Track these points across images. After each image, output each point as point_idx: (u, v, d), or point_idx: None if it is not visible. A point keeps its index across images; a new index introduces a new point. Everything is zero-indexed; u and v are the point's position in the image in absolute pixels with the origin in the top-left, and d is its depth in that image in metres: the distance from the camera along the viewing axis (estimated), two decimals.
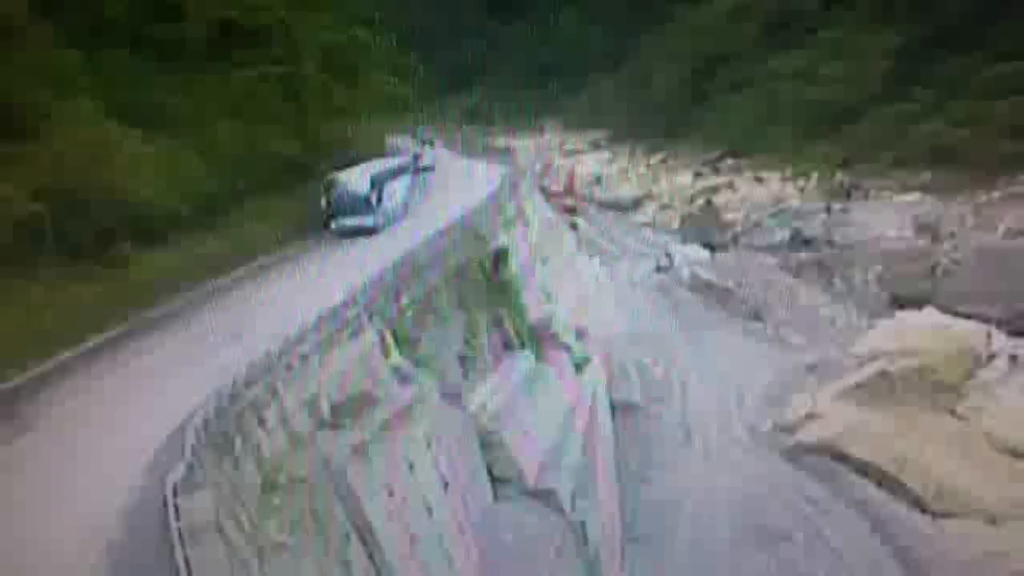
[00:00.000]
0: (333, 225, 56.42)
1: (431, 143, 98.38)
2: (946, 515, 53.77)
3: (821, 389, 67.80)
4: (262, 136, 53.71)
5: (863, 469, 57.98)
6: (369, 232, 56.14)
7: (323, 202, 56.66)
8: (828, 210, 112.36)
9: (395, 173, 64.42)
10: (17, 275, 36.38)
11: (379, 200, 58.27)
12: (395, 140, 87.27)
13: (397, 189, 62.91)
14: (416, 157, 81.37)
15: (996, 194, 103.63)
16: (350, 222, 56.28)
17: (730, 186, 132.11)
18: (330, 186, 56.99)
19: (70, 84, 44.03)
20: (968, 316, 76.46)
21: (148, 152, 45.00)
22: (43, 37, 44.26)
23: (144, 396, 30.71)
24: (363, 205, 56.81)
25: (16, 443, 27.77)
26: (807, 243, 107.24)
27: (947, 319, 75.96)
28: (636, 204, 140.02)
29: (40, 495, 24.30)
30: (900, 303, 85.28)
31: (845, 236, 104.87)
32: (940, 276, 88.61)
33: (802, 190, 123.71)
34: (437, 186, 73.82)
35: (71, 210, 38.47)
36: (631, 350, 73.04)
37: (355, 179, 57.69)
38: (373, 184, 57.72)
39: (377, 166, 62.35)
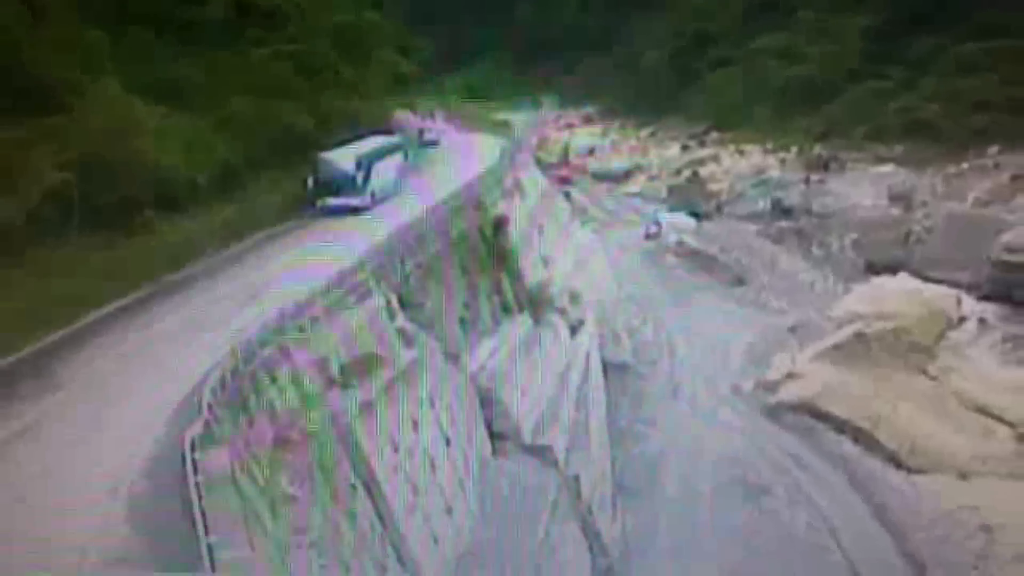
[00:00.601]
0: (318, 204, 53.24)
1: (432, 117, 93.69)
2: (919, 471, 53.75)
3: (801, 350, 67.80)
4: (276, 111, 53.65)
5: (840, 426, 58.02)
6: (355, 211, 53.08)
7: (309, 181, 53.49)
8: (807, 181, 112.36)
9: (386, 152, 60.22)
10: (47, 241, 36.44)
11: (366, 179, 54.97)
12: (400, 115, 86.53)
13: (388, 168, 59.03)
14: (420, 132, 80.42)
15: (965, 165, 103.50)
16: (335, 201, 53.32)
17: (715, 158, 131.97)
18: (316, 165, 54.03)
19: (97, 62, 44.18)
20: (939, 281, 76.56)
21: (170, 126, 45.61)
22: (71, 17, 44.39)
23: (166, 356, 30.66)
24: (349, 185, 53.93)
25: (46, 400, 27.74)
26: (787, 212, 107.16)
27: (919, 284, 76.03)
28: (626, 175, 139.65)
29: (67, 450, 24.36)
30: (875, 269, 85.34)
31: (823, 205, 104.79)
32: (912, 243, 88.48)
33: (783, 162, 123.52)
34: (439, 159, 73.39)
35: (98, 180, 38.59)
36: (622, 313, 73.02)
37: (341, 158, 54.65)
38: (360, 164, 54.59)
39: (367, 145, 58.75)
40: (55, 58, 41.21)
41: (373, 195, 55.16)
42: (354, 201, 53.70)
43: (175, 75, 50.28)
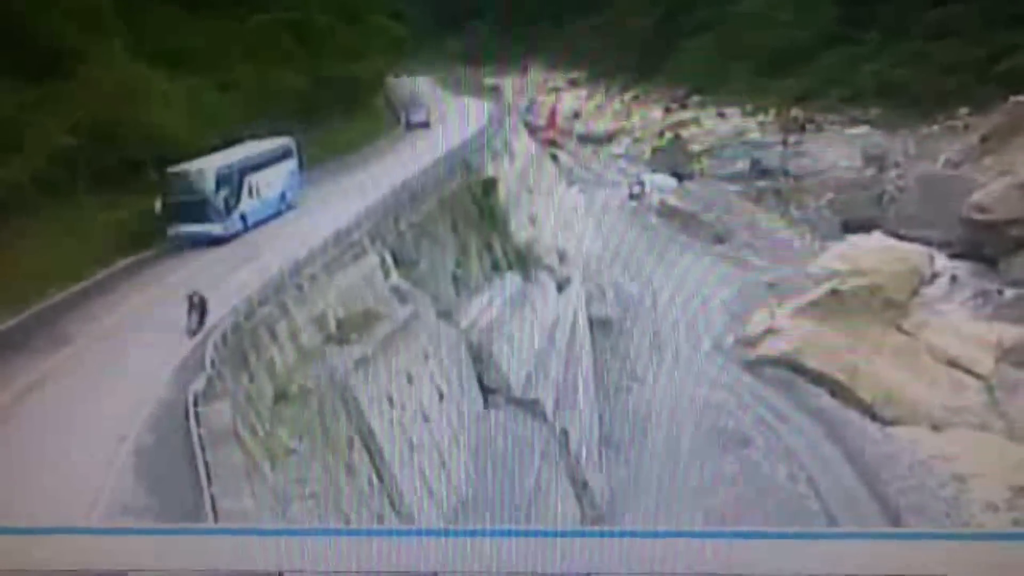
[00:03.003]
0: (169, 232, 40.52)
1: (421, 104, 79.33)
2: (894, 422, 54.03)
3: (780, 306, 67.75)
4: (276, 76, 53.13)
5: (818, 379, 58.19)
6: (215, 242, 40.98)
7: (157, 204, 40.35)
8: (784, 143, 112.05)
9: (267, 160, 47.14)
10: (55, 202, 36.39)
11: (236, 198, 43.14)
12: (397, 79, 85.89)
13: (270, 181, 46.64)
14: (407, 111, 74.19)
15: (936, 127, 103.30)
16: (188, 229, 40.66)
17: (696, 121, 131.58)
18: (166, 182, 41.27)
19: (103, 28, 43.72)
20: (912, 239, 76.64)
21: (173, 90, 45.23)
22: None
23: (170, 311, 30.53)
24: (207, 207, 41.16)
25: (57, 355, 27.72)
26: (766, 173, 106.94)
27: (893, 242, 76.05)
28: (611, 137, 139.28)
29: (77, 401, 24.36)
30: (850, 227, 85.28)
31: (800, 166, 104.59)
32: (887, 203, 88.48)
33: (761, 124, 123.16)
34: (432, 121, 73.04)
35: (102, 143, 38.46)
36: (608, 270, 72.85)
37: (196, 173, 41.81)
38: (223, 179, 42.40)
39: (238, 153, 45.68)
40: (60, 23, 40.90)
41: (244, 219, 43.57)
42: (214, 229, 41.38)
43: (177, 41, 49.66)
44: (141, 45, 45.52)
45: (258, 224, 44.07)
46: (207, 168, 42.17)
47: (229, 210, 42.35)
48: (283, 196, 47.74)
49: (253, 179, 44.85)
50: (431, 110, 75.48)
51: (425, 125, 71.43)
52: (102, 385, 25.34)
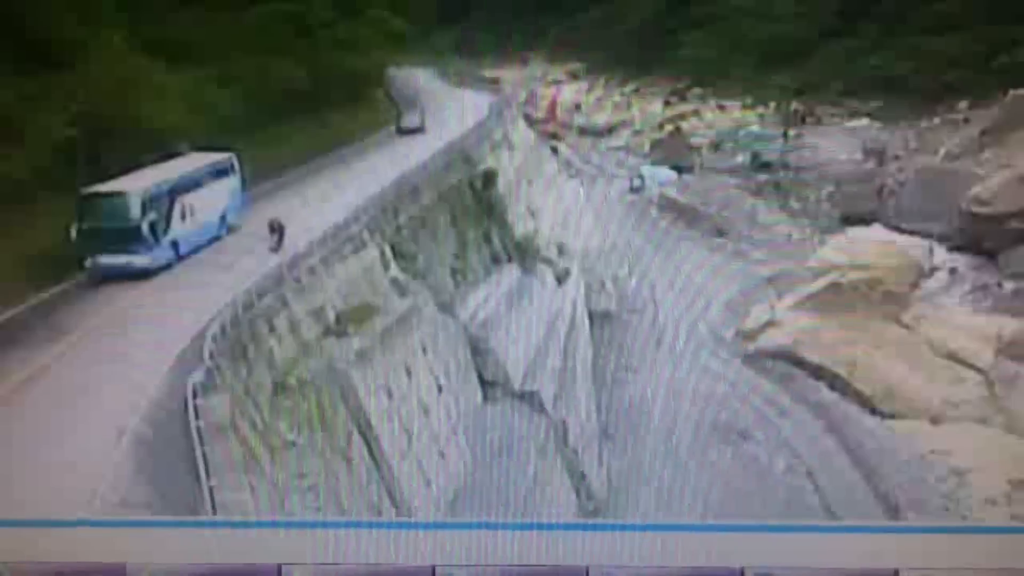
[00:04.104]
0: (86, 263, 35.60)
1: (417, 108, 71.95)
2: (893, 415, 53.94)
3: (779, 299, 67.68)
4: (275, 67, 53.05)
5: (817, 373, 58.04)
6: (140, 276, 35.62)
7: (72, 230, 35.61)
8: (784, 136, 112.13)
9: (203, 177, 41.71)
10: (55, 194, 36.29)
11: (166, 223, 37.73)
12: (398, 72, 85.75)
13: (208, 202, 41.16)
14: (398, 117, 67.76)
15: (936, 120, 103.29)
16: (108, 261, 35.60)
17: (696, 114, 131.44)
18: (83, 206, 36.37)
19: (102, 20, 43.81)
20: (912, 232, 76.45)
21: (171, 82, 45.34)
22: None
23: (169, 302, 30.65)
24: (130, 235, 35.86)
25: (55, 348, 28.01)
26: (765, 166, 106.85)
27: (893, 235, 75.99)
28: (611, 130, 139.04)
29: (75, 394, 24.41)
30: (850, 220, 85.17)
31: (800, 159, 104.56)
32: (886, 196, 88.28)
33: (761, 117, 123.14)
34: (430, 111, 72.82)
35: (101, 135, 38.31)
36: (607, 263, 72.83)
37: (117, 195, 36.60)
38: (149, 202, 36.98)
39: (169, 170, 40.21)
40: (60, 15, 40.99)
41: (176, 246, 38.15)
42: (139, 260, 35.94)
43: (177, 33, 49.62)
44: (140, 37, 45.45)
45: (193, 252, 38.72)
46: (131, 189, 36.70)
47: (157, 237, 36.76)
48: (223, 219, 42.07)
49: (187, 200, 39.31)
50: (426, 113, 68.68)
51: (419, 130, 65.17)
52: (100, 378, 25.34)
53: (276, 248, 37.10)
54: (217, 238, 40.99)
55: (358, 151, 56.83)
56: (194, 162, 41.98)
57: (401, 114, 68.47)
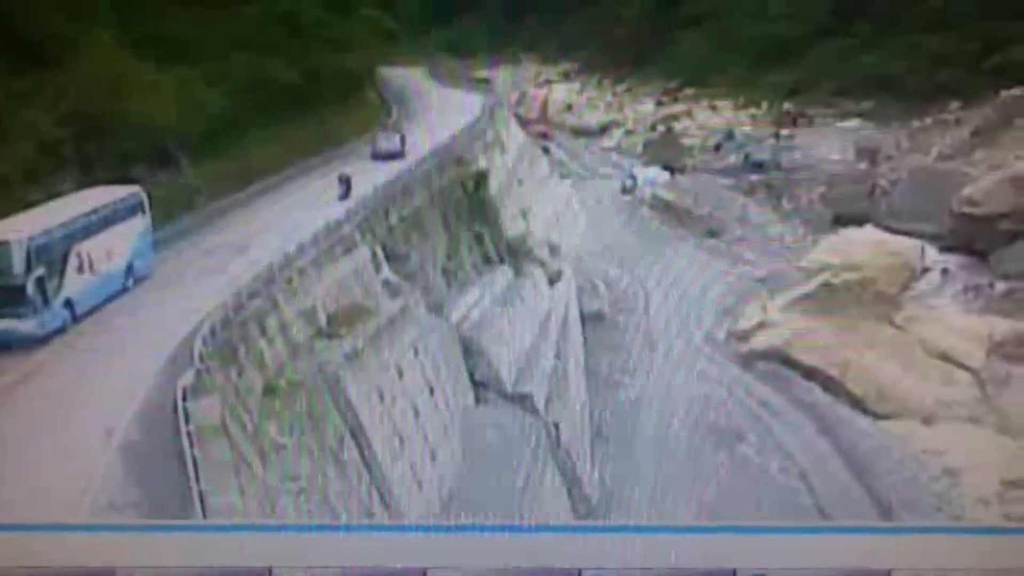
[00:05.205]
0: None
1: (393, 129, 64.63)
2: (886, 416, 54.03)
3: (771, 300, 67.76)
4: (266, 67, 52.95)
5: (810, 374, 58.11)
6: (25, 343, 28.60)
7: None
8: (776, 136, 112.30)
9: (104, 220, 33.76)
10: (42, 194, 36.11)
11: (59, 278, 30.49)
12: (388, 71, 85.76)
13: (109, 250, 33.29)
14: (373, 138, 59.59)
15: (928, 121, 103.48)
16: None
17: (688, 114, 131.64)
18: None
19: (91, 17, 43.62)
20: (904, 233, 76.43)
21: (162, 81, 44.96)
22: None
23: (161, 303, 30.61)
24: (13, 296, 28.92)
25: (43, 349, 28.29)
26: (758, 166, 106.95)
27: (885, 235, 75.90)
28: (603, 130, 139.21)
29: (64, 396, 24.41)
30: (842, 221, 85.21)
31: (792, 160, 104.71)
32: (878, 196, 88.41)
33: (753, 117, 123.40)
34: (421, 111, 72.83)
35: (90, 134, 38.29)
36: (599, 264, 72.91)
37: (1, 246, 29.31)
38: (40, 253, 29.95)
39: (62, 212, 32.68)
40: (49, 13, 40.93)
41: (71, 306, 30.90)
42: (23, 326, 28.88)
43: (167, 31, 49.46)
44: (130, 35, 45.31)
45: (93, 311, 31.73)
46: (11, 238, 29.43)
47: (46, 297, 29.76)
48: (129, 268, 34.52)
49: (84, 248, 31.89)
50: (406, 136, 60.03)
51: (398, 155, 56.11)
52: (89, 380, 25.30)
53: (344, 197, 45.12)
54: (124, 290, 33.81)
55: (351, 150, 56.85)
56: (93, 201, 34.36)
57: (377, 136, 60.16)
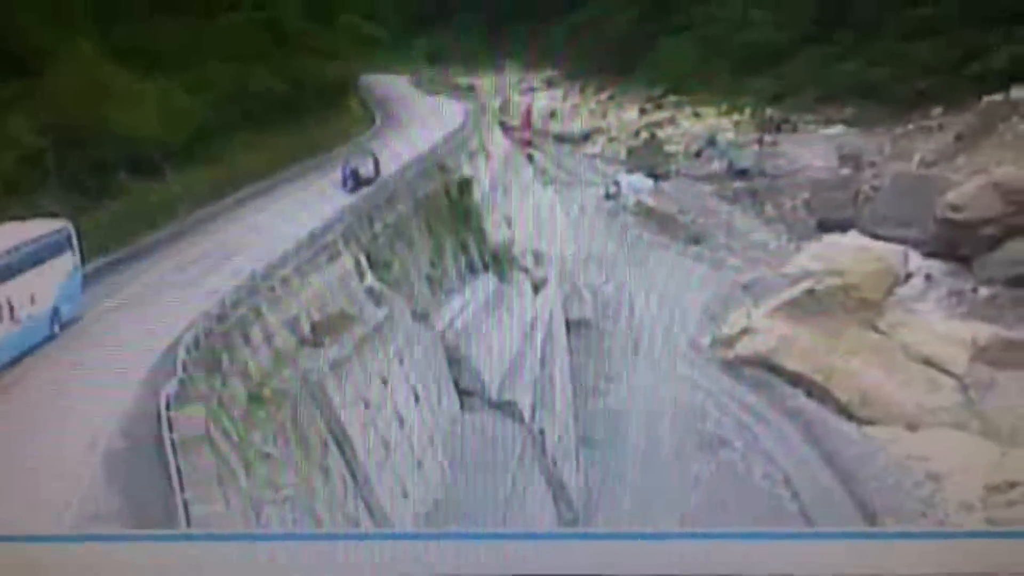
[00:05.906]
0: None
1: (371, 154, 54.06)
2: (870, 422, 54.26)
3: (756, 306, 67.87)
4: (249, 75, 52.78)
5: (794, 380, 58.30)
6: None
7: None
8: (760, 142, 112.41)
9: (26, 260, 29.67)
10: (22, 205, 35.95)
11: None
12: (371, 79, 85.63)
13: (33, 292, 29.06)
14: (345, 161, 51.69)
15: (912, 127, 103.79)
16: None
17: (672, 121, 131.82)
18: None
19: (72, 27, 43.42)
20: (887, 239, 76.70)
21: (143, 90, 44.74)
22: None
23: (142, 314, 30.52)
24: None
25: (23, 360, 27.89)
26: (741, 173, 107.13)
27: (868, 241, 76.15)
28: (586, 137, 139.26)
29: (46, 406, 24.27)
30: (826, 227, 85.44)
31: (775, 166, 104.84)
32: (862, 202, 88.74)
33: (737, 124, 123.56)
34: (405, 119, 72.73)
35: (71, 144, 38.16)
36: (584, 271, 72.92)
37: None
38: None
39: None
40: (29, 22, 40.72)
41: None
42: None
43: (148, 40, 49.22)
44: (112, 45, 45.15)
45: (16, 361, 27.66)
46: None
47: None
48: (55, 313, 30.35)
49: (3, 293, 27.95)
50: (379, 159, 52.76)
51: (369, 182, 50.36)
52: (71, 390, 25.18)
53: (372, 178, 49.05)
54: (51, 337, 29.83)
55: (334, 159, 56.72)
56: (11, 238, 29.75)
57: (348, 159, 52.62)
